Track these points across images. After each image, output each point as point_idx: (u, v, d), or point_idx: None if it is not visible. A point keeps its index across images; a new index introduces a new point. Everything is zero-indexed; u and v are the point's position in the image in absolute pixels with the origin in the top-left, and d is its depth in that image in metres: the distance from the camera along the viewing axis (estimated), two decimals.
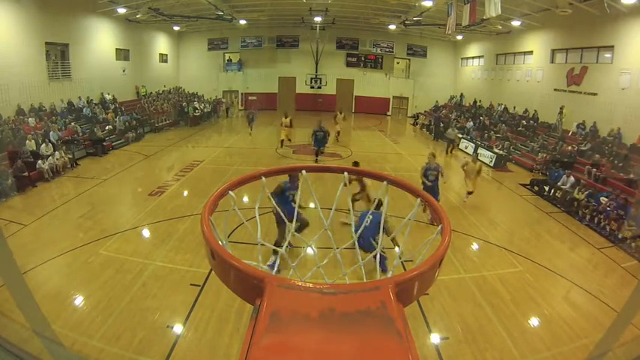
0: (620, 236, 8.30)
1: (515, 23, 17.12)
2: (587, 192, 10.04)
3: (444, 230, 1.56)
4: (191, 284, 5.64)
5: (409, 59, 27.16)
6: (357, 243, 2.36)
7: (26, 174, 10.04)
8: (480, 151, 15.79)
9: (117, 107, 18.00)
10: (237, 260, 1.30)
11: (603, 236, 8.57)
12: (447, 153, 16.04)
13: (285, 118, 14.41)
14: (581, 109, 14.82)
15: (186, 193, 10.23)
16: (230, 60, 27.13)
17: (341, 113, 16.79)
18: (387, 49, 26.76)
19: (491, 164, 14.63)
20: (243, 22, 23.05)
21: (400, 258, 2.89)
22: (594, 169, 11.51)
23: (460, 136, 17.52)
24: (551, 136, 15.71)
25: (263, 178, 2.06)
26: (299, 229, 5.54)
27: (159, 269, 6.12)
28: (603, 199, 9.44)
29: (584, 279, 6.52)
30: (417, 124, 23.98)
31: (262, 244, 2.09)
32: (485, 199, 11.35)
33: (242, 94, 27.50)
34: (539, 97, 17.48)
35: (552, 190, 11.05)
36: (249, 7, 21.41)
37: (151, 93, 22.32)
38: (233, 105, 26.08)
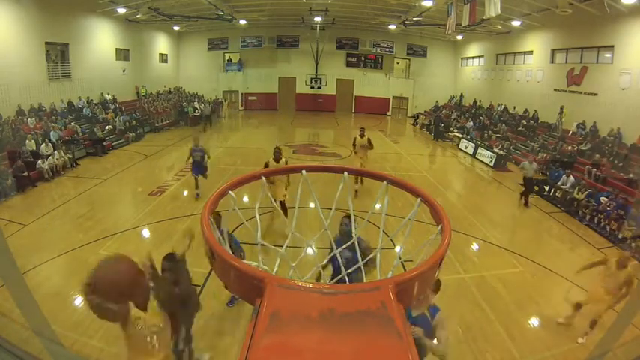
0: (620, 236, 8.30)
1: (515, 23, 17.11)
2: (587, 192, 10.04)
3: (444, 230, 1.56)
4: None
5: (409, 59, 27.16)
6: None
7: (26, 174, 10.04)
8: (480, 151, 15.81)
9: (117, 107, 18.01)
10: (237, 260, 1.30)
11: (603, 236, 8.58)
12: (525, 203, 10.25)
13: (277, 156, 7.78)
14: (581, 109, 14.81)
15: (186, 193, 10.22)
16: (230, 60, 27.13)
17: (363, 137, 9.73)
18: (387, 49, 26.76)
19: (491, 164, 14.64)
20: (243, 22, 23.04)
21: (400, 258, 2.89)
22: (594, 169, 11.51)
23: (537, 170, 10.87)
24: (551, 136, 15.71)
25: (263, 178, 2.07)
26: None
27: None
28: (603, 199, 9.44)
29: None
30: (417, 124, 24.00)
31: (262, 244, 2.09)
32: (486, 199, 11.37)
33: (242, 94, 27.52)
34: (539, 97, 17.48)
35: (552, 190, 11.05)
36: (249, 7, 21.40)
37: (151, 93, 22.32)
38: (223, 105, 24.84)
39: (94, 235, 7.26)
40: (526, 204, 10.27)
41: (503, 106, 20.12)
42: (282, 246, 2.20)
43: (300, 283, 1.21)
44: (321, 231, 2.48)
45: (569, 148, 13.87)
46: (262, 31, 25.76)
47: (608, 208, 9.03)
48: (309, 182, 2.14)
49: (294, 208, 2.39)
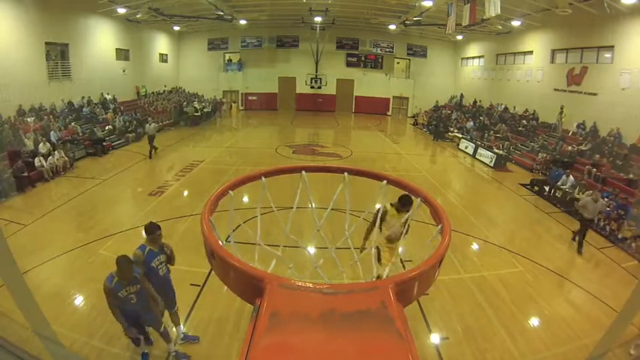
0: (620, 236, 8.30)
1: (515, 23, 17.10)
2: (587, 192, 10.03)
3: (444, 230, 1.56)
4: (191, 284, 5.62)
5: (409, 59, 27.15)
6: None
7: (26, 174, 10.03)
8: (480, 151, 15.80)
9: (117, 107, 18.00)
10: (237, 260, 1.30)
11: (603, 236, 8.57)
12: (579, 249, 7.70)
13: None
14: (581, 109, 14.80)
15: (186, 193, 10.21)
16: (230, 60, 27.12)
17: (400, 211, 4.01)
18: (387, 49, 26.75)
19: (491, 164, 14.63)
20: (243, 22, 23.04)
21: (400, 258, 2.88)
22: (594, 169, 11.51)
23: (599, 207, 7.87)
24: (551, 136, 15.70)
25: (263, 178, 2.07)
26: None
27: None
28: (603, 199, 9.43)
29: (584, 279, 6.51)
30: (417, 124, 23.99)
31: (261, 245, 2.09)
32: (486, 199, 11.36)
33: (242, 94, 27.51)
34: (539, 97, 17.47)
35: (552, 190, 11.05)
36: (249, 7, 21.39)
37: (151, 93, 22.31)
38: (232, 107, 24.93)
39: (94, 235, 7.26)
40: (579, 249, 7.69)
41: (503, 106, 20.12)
42: (280, 246, 2.20)
43: (300, 283, 1.20)
44: (314, 231, 2.48)
45: (569, 148, 13.86)
46: (262, 31, 25.75)
47: (608, 208, 9.02)
48: (309, 182, 2.15)
49: (294, 208, 2.39)
